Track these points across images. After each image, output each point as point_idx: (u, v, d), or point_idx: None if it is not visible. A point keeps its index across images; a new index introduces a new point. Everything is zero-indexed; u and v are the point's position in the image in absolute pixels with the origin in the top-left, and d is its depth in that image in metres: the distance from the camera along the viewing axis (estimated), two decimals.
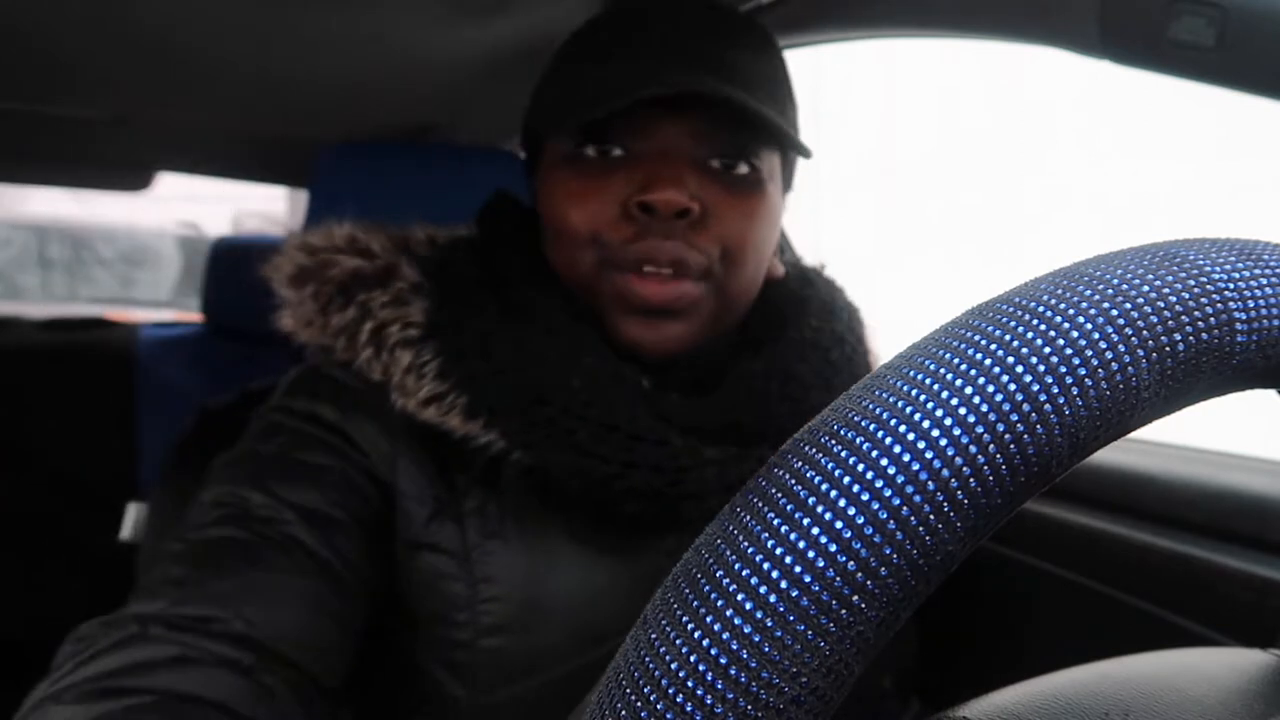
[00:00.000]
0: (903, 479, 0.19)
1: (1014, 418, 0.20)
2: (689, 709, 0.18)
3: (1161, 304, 0.21)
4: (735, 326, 0.65)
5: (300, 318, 0.62)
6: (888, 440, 0.19)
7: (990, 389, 0.20)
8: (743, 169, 0.59)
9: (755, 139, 0.60)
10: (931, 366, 0.21)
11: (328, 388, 0.61)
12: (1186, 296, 0.22)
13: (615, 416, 0.57)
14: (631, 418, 0.57)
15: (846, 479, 0.19)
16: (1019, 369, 0.20)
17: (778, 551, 0.19)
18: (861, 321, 0.70)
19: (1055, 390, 0.20)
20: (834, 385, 0.63)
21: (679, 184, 0.56)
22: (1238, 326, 0.22)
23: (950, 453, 0.19)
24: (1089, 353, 0.20)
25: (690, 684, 0.19)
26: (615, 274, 0.58)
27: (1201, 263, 0.23)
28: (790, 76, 0.65)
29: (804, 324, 0.64)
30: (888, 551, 0.19)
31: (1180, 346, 0.21)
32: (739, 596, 0.19)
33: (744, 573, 0.19)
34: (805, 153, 0.62)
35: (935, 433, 0.19)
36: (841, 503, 0.19)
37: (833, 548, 0.19)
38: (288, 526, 0.54)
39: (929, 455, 0.19)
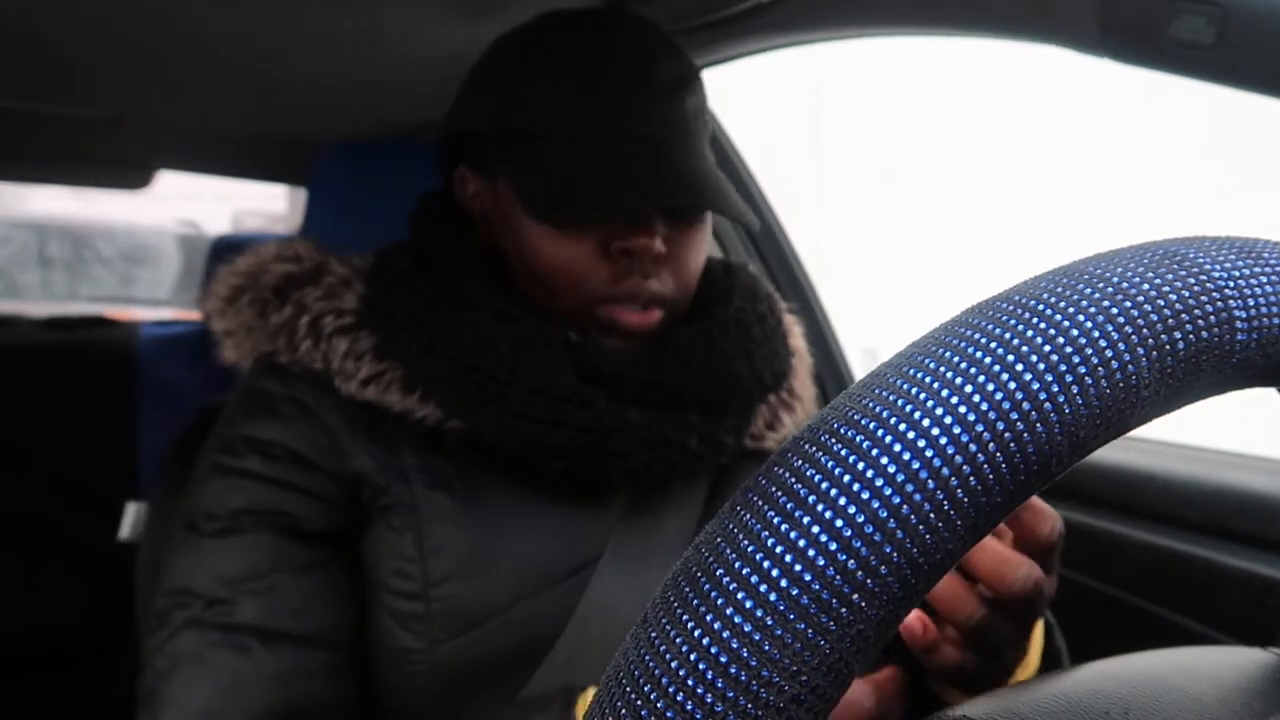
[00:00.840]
0: (903, 477, 0.19)
1: (1014, 416, 0.20)
2: (689, 707, 0.18)
3: (1162, 302, 0.21)
4: None
5: (240, 325, 0.67)
6: (888, 438, 0.19)
7: (990, 387, 0.20)
8: (700, 212, 0.66)
9: None
10: (932, 365, 0.21)
11: (265, 405, 0.64)
12: (1187, 295, 0.22)
13: (542, 380, 0.61)
14: (557, 381, 0.61)
15: (847, 477, 0.19)
16: (1019, 367, 0.20)
17: (778, 550, 0.19)
18: (780, 307, 0.77)
19: (1055, 389, 0.20)
20: (754, 356, 0.69)
21: (653, 231, 0.62)
22: (1238, 325, 0.22)
23: (950, 451, 0.19)
24: (1089, 351, 0.20)
25: (691, 682, 0.19)
26: (598, 308, 0.64)
27: (1202, 261, 0.23)
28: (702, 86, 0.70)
29: (729, 305, 0.70)
30: (888, 550, 0.19)
31: (1180, 345, 0.21)
32: (739, 595, 0.19)
33: (744, 571, 0.19)
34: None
35: (935, 431, 0.19)
36: (842, 501, 0.19)
37: (833, 546, 0.19)
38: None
39: (929, 454, 0.19)
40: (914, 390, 0.20)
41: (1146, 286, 0.22)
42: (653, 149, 0.62)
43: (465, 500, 0.63)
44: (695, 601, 0.19)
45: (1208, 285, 0.22)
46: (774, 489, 0.20)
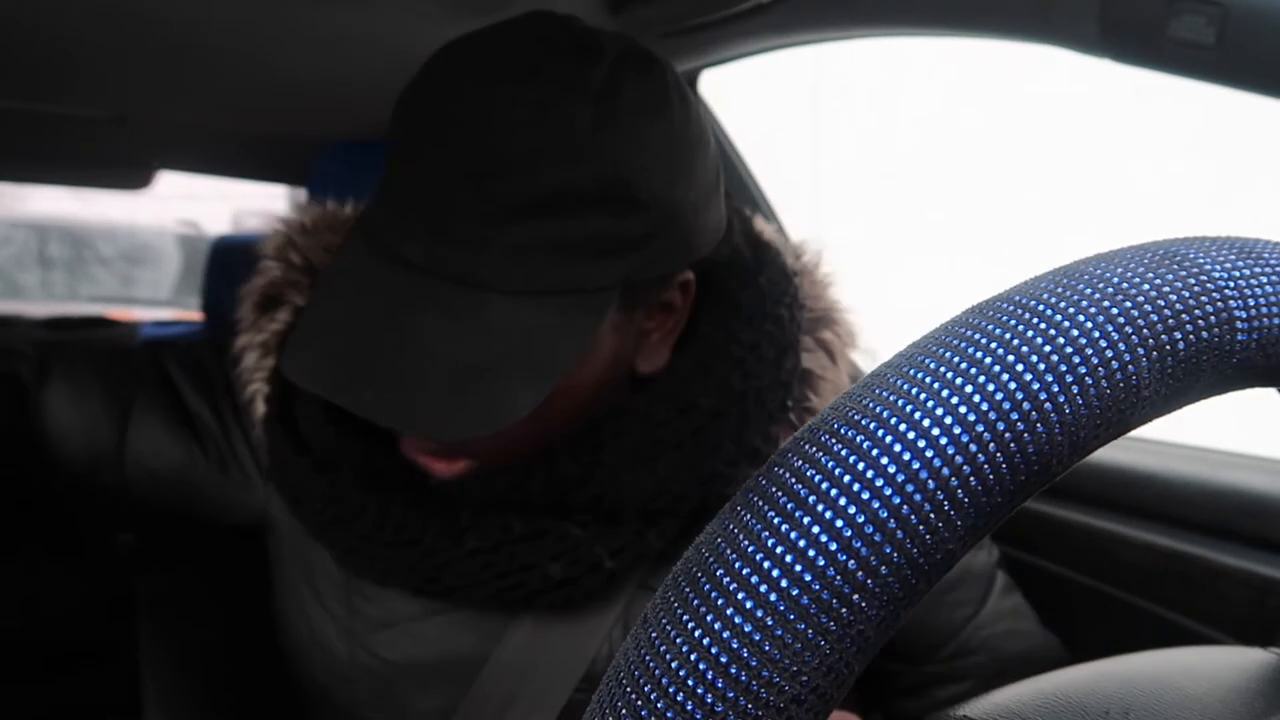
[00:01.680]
0: (903, 477, 0.19)
1: (1014, 416, 0.20)
2: (689, 708, 0.18)
3: (1162, 302, 0.21)
4: None
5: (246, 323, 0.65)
6: (888, 439, 0.19)
7: (990, 387, 0.20)
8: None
9: None
10: (932, 365, 0.21)
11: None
12: (1187, 295, 0.22)
13: (361, 530, 0.57)
14: (379, 526, 0.56)
15: (847, 477, 0.19)
16: (1019, 367, 0.20)
17: (778, 550, 0.19)
18: (783, 379, 0.60)
19: (1056, 389, 0.20)
20: (668, 461, 0.55)
21: None
22: (1238, 325, 0.22)
23: (951, 451, 0.19)
24: (1089, 351, 0.20)
25: (691, 682, 0.19)
26: (404, 442, 0.57)
27: (1202, 261, 0.23)
28: (689, 116, 0.54)
29: (664, 397, 0.56)
30: (888, 550, 0.19)
31: (1181, 345, 0.21)
32: (739, 595, 0.19)
33: (744, 571, 0.19)
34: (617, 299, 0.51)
35: (936, 431, 0.19)
36: (842, 501, 0.19)
37: (833, 546, 0.19)
38: None
39: (929, 454, 0.19)
40: (914, 390, 0.20)
41: (1146, 287, 0.22)
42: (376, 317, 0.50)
43: None
44: (695, 601, 0.19)
45: (1208, 285, 0.22)
46: (774, 489, 0.20)
